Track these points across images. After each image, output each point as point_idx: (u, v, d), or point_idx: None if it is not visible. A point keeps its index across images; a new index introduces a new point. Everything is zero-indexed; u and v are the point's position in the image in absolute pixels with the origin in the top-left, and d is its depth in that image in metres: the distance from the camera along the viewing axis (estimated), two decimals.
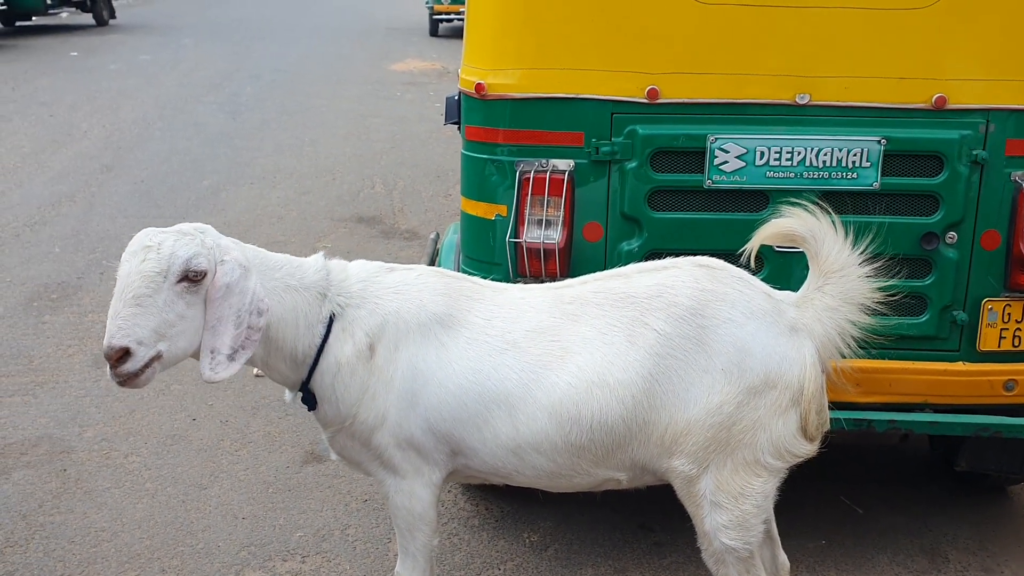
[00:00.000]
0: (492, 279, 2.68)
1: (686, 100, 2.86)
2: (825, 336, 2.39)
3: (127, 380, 2.12)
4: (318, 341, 2.38)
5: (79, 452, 3.85)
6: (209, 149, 9.12)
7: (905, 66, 2.83)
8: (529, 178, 2.90)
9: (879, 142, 2.85)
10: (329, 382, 2.40)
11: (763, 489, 2.36)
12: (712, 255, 2.97)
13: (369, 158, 8.86)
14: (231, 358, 2.17)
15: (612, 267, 2.97)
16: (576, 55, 2.85)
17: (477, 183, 3.02)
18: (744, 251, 2.55)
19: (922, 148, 2.87)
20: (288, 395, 2.52)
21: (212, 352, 2.17)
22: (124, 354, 2.09)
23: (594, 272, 2.96)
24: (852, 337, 2.41)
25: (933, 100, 2.83)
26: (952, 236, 2.91)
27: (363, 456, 2.49)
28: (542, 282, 2.96)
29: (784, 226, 2.47)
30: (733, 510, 2.35)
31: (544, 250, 2.91)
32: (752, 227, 2.90)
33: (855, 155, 2.86)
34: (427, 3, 18.29)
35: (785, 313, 2.38)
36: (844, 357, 2.44)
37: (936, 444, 3.71)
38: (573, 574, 3.15)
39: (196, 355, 2.24)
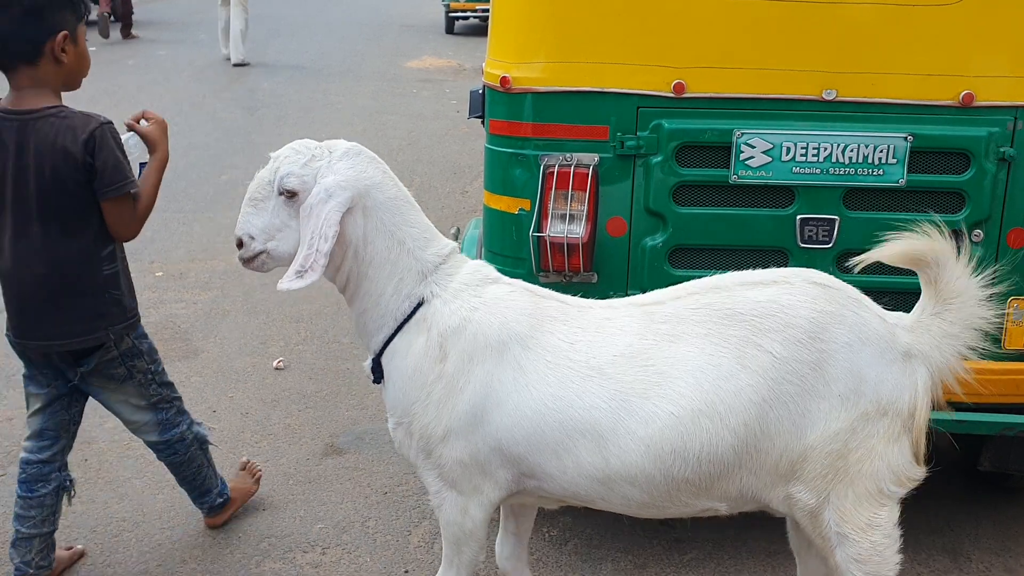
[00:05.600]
0: (517, 275, 2.67)
1: (712, 95, 2.85)
2: (943, 363, 2.28)
3: (244, 263, 2.45)
4: (401, 316, 2.38)
5: (100, 442, 3.87)
6: (227, 144, 9.14)
7: (932, 62, 2.81)
8: (553, 172, 2.89)
9: (906, 139, 2.83)
10: (395, 364, 2.38)
11: (890, 518, 2.28)
12: (737, 251, 2.98)
13: (385, 155, 8.73)
14: (299, 275, 2.27)
15: (636, 262, 2.97)
16: (602, 48, 2.85)
17: (501, 177, 3.02)
18: (857, 263, 2.38)
19: (949, 145, 2.86)
20: (367, 361, 2.50)
21: (292, 265, 2.31)
22: (239, 243, 2.44)
23: (617, 266, 2.97)
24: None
25: (960, 97, 2.82)
26: (978, 234, 2.89)
27: (420, 460, 2.42)
28: (565, 277, 2.96)
29: (910, 246, 2.29)
30: (863, 542, 2.25)
31: (568, 244, 2.90)
32: (777, 223, 2.91)
33: (881, 151, 2.85)
34: (443, 0, 18.28)
35: (899, 338, 2.27)
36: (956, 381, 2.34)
37: (959, 443, 3.68)
38: (593, 569, 3.15)
39: None
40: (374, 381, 2.47)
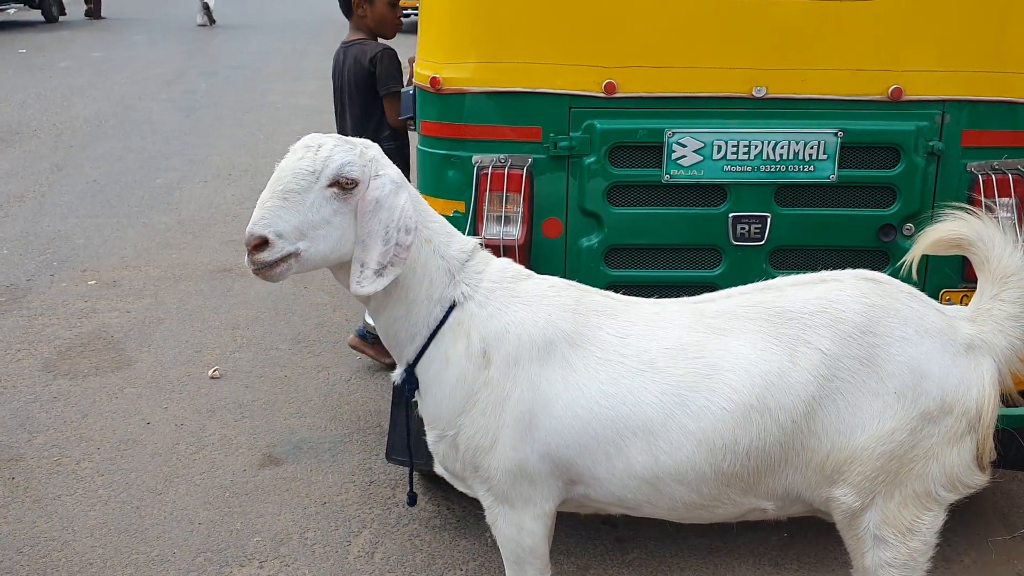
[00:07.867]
0: None
1: (643, 94, 2.83)
2: (1009, 349, 2.17)
3: (261, 270, 2.11)
4: (433, 323, 2.25)
5: (28, 459, 3.75)
6: (163, 147, 8.97)
7: (861, 58, 2.83)
8: (487, 174, 2.86)
9: (836, 134, 2.84)
10: (434, 374, 2.26)
11: (933, 524, 2.17)
12: (671, 250, 2.97)
13: None
14: (378, 273, 2.12)
15: (573, 263, 2.95)
16: (532, 48, 2.82)
17: (434, 179, 2.98)
18: (905, 262, 2.35)
19: (879, 140, 2.87)
20: (396, 373, 2.37)
21: (361, 266, 2.14)
22: (262, 243, 2.09)
23: (554, 267, 2.94)
24: None
25: (889, 92, 2.83)
26: (909, 228, 2.92)
27: (468, 474, 2.32)
28: None
29: (949, 230, 2.23)
30: (900, 547, 2.16)
31: (504, 247, 2.87)
32: (710, 221, 2.91)
33: (812, 148, 2.85)
34: None
35: (959, 330, 2.17)
36: None
37: None
38: None
39: (334, 267, 2.22)
40: (407, 394, 2.36)
